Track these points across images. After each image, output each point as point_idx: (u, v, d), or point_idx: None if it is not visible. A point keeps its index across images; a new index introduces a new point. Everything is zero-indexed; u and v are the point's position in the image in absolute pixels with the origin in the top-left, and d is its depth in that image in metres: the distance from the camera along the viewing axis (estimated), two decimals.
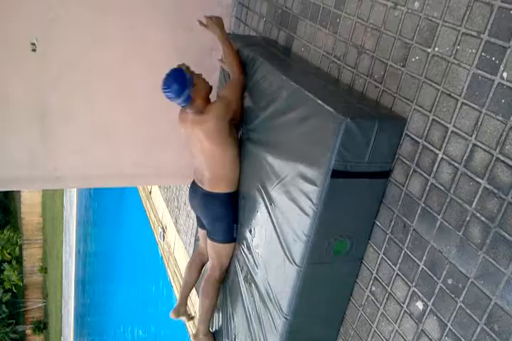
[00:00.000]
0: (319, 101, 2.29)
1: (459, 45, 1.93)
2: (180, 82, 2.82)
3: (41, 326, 30.24)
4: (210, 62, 3.55)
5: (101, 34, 3.52)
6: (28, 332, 30.56)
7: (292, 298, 2.51)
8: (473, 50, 1.86)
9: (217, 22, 3.01)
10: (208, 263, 3.45)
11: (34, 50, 3.28)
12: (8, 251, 27.75)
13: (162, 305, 9.13)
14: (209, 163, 3.03)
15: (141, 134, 3.92)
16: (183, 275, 3.69)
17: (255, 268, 2.89)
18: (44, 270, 31.16)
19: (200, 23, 3.03)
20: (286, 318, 2.57)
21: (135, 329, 13.28)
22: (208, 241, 3.29)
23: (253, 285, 2.94)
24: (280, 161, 2.65)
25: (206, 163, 3.04)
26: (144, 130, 3.91)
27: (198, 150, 3.06)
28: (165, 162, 4.12)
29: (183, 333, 5.93)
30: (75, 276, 21.88)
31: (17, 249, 28.71)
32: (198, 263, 3.57)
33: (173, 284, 6.24)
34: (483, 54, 1.82)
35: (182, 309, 3.57)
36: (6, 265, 27.40)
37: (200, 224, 3.44)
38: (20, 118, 3.58)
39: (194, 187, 3.25)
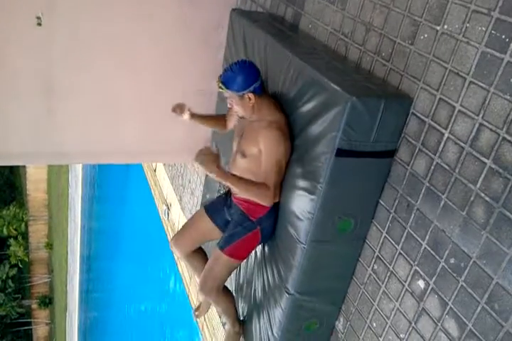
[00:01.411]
0: (325, 80, 2.27)
1: (468, 22, 1.90)
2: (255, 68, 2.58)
3: (47, 301, 30.73)
4: (217, 39, 3.51)
5: (107, 9, 3.49)
6: (34, 306, 31.08)
7: (295, 275, 2.53)
8: (483, 28, 1.83)
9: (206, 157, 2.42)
10: None
11: (39, 24, 3.25)
12: (14, 227, 28.06)
13: (165, 281, 9.23)
14: None
15: (147, 111, 3.91)
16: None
17: (262, 244, 2.92)
18: (49, 246, 31.50)
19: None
20: (289, 293, 2.60)
21: (139, 305, 13.45)
22: None
23: (259, 260, 2.97)
24: None
25: None
26: (150, 107, 3.89)
27: None
28: (170, 139, 4.12)
29: (187, 309, 6.00)
30: (80, 252, 22.09)
31: (23, 225, 29.00)
32: None
33: (176, 261, 6.29)
34: (493, 32, 1.80)
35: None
36: (12, 240, 27.72)
37: None
38: (26, 93, 3.57)
39: None
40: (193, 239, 3.01)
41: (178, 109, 2.96)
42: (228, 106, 2.63)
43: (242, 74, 2.48)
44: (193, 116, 2.99)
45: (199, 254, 3.06)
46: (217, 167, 2.39)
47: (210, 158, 2.39)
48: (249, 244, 2.78)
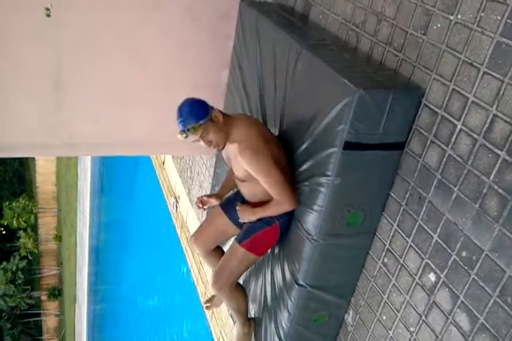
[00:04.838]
0: (334, 72, 2.25)
1: (483, 11, 1.86)
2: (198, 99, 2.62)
3: (56, 292, 30.98)
4: (226, 30, 3.47)
5: (116, 1, 3.46)
6: (44, 298, 31.37)
7: (305, 267, 2.52)
8: (498, 17, 1.80)
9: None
10: None
11: (49, 15, 3.23)
12: (24, 219, 28.24)
13: (174, 273, 9.26)
14: None
15: (156, 103, 3.88)
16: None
17: None
18: (59, 238, 31.71)
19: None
20: (299, 284, 2.59)
21: (147, 297, 13.52)
22: None
23: (269, 253, 2.96)
24: (293, 132, 2.63)
25: None
26: (159, 98, 3.87)
27: None
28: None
29: (195, 301, 6.01)
30: (88, 244, 22.22)
31: (32, 217, 29.18)
32: None
33: (185, 253, 6.30)
34: (508, 21, 1.76)
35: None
36: (21, 233, 27.92)
37: None
38: (35, 85, 3.56)
39: None
40: (211, 236, 3.04)
41: (202, 204, 2.91)
42: (207, 145, 2.60)
43: (194, 105, 2.54)
44: (221, 195, 2.97)
45: (218, 253, 3.08)
46: (249, 211, 2.71)
47: (245, 210, 2.72)
48: (268, 238, 2.76)
